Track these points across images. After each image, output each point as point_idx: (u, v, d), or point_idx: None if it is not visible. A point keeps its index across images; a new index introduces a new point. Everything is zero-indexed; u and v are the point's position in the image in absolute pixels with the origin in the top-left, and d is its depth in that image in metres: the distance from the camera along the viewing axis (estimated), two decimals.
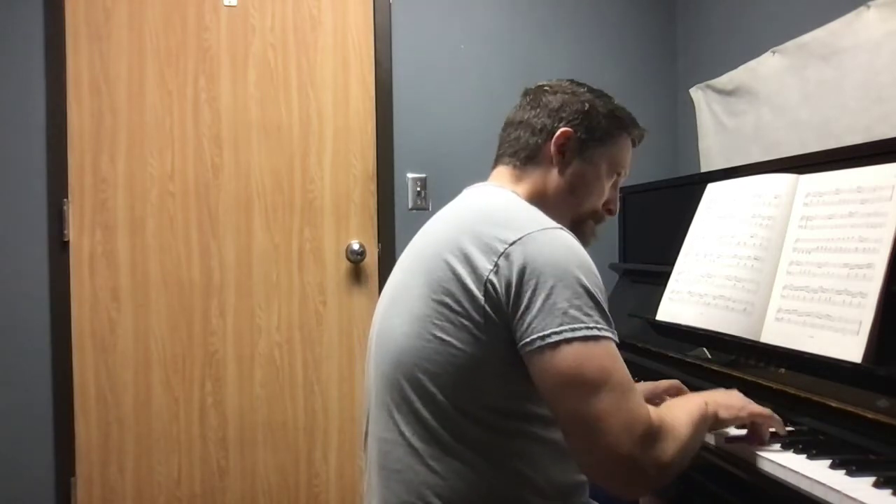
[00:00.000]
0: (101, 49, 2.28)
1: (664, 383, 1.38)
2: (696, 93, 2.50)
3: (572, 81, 1.19)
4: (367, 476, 1.10)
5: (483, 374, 0.97)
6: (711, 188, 1.64)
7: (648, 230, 2.11)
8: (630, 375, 0.93)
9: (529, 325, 0.92)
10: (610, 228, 2.28)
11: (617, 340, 0.95)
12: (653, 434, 0.90)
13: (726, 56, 2.36)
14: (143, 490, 2.31)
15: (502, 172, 1.17)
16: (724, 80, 2.33)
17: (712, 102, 2.41)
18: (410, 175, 2.48)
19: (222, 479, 2.36)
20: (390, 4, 2.47)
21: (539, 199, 1.12)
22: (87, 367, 2.27)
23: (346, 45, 2.44)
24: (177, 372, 2.33)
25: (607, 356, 0.91)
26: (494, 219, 1.00)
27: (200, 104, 2.35)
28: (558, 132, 1.13)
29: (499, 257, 0.95)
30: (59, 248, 2.24)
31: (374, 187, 2.46)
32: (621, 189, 2.15)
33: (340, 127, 2.44)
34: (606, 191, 1.18)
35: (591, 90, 1.18)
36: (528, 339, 0.92)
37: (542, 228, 0.97)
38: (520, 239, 0.95)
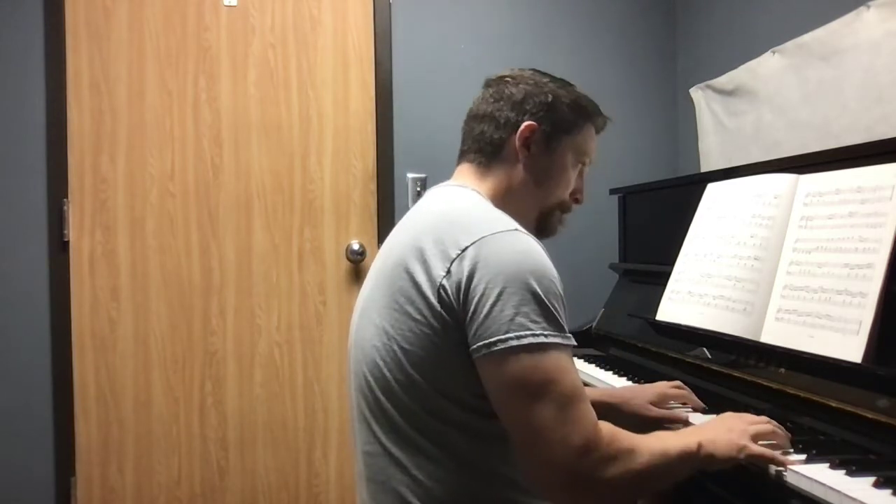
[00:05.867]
0: (101, 49, 2.28)
1: (663, 385, 1.37)
2: (696, 93, 2.50)
3: (535, 71, 1.16)
4: (358, 490, 1.10)
5: (452, 379, 0.97)
6: (711, 188, 1.64)
7: (648, 230, 2.11)
8: (580, 385, 0.92)
9: (477, 331, 0.91)
10: (610, 228, 2.29)
11: (570, 344, 0.93)
12: (596, 449, 0.89)
13: (726, 56, 2.36)
14: (143, 490, 2.31)
15: (466, 170, 1.15)
16: (724, 80, 2.33)
17: (712, 102, 2.41)
18: (410, 175, 2.48)
19: (222, 479, 2.36)
20: (390, 4, 2.47)
21: (505, 195, 1.11)
22: (87, 367, 2.27)
23: (346, 45, 2.44)
24: (177, 372, 2.33)
25: (553, 366, 0.90)
26: (453, 224, 0.99)
27: (200, 104, 2.35)
28: (523, 126, 1.10)
29: (452, 262, 0.94)
30: (59, 248, 2.24)
31: (374, 187, 2.46)
32: (622, 189, 2.20)
33: (340, 127, 2.44)
34: (573, 181, 1.17)
35: (553, 80, 1.15)
36: (475, 346, 0.91)
37: (498, 231, 0.96)
38: (474, 243, 0.94)
